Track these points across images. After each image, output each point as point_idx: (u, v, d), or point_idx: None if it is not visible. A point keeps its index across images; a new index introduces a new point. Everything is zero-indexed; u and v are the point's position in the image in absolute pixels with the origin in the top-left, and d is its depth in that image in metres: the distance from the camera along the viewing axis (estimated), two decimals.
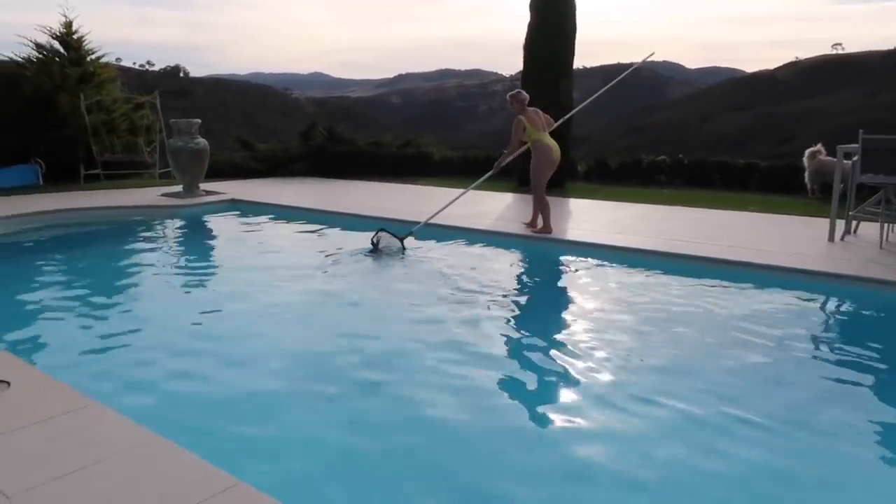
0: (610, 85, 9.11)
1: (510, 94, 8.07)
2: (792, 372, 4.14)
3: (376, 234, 7.20)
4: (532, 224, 8.09)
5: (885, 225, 7.10)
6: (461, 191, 8.83)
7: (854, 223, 7.68)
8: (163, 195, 10.86)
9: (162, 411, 3.41)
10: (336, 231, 8.59)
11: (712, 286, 5.90)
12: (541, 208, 7.89)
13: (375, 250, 7.12)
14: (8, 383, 3.20)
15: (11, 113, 12.57)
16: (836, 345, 4.75)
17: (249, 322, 5.00)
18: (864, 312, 5.59)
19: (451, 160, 15.28)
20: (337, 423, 3.37)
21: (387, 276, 6.57)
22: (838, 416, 3.53)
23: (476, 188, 8.84)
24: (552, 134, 8.05)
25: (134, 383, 3.77)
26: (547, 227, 7.79)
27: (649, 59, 9.62)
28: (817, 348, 4.63)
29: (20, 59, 13.83)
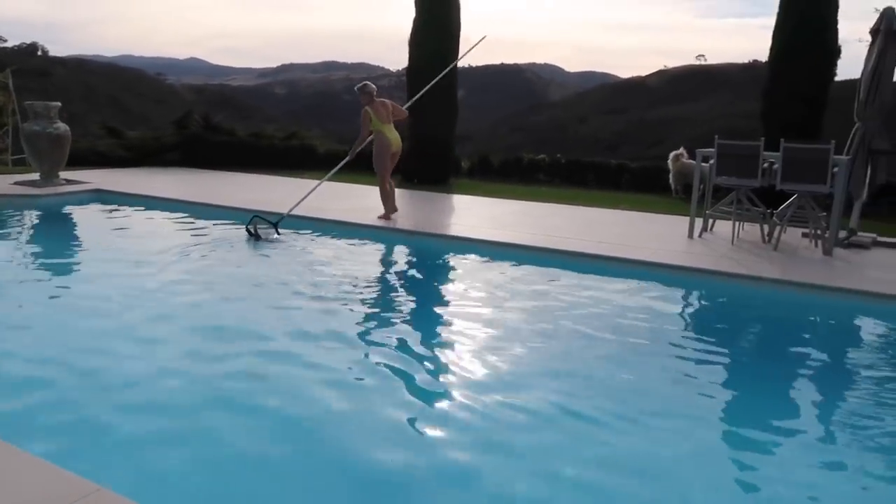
0: (444, 73, 9.94)
1: (357, 86, 8.50)
2: (642, 356, 4.44)
3: (251, 220, 7.39)
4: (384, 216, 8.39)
5: (737, 223, 7.76)
6: (330, 182, 8.80)
7: (711, 221, 8.32)
8: (16, 183, 9.96)
9: (12, 418, 3.13)
10: (207, 223, 8.21)
11: (584, 280, 6.21)
12: (382, 196, 8.37)
13: (253, 236, 7.28)
14: None
15: None
16: (688, 332, 5.14)
17: (108, 319, 4.69)
18: (717, 301, 6.09)
19: (336, 153, 15.02)
20: (193, 419, 3.24)
21: (254, 267, 6.37)
22: (681, 398, 3.84)
23: (355, 183, 8.88)
24: (399, 126, 8.58)
25: None
26: (386, 215, 8.34)
27: (478, 44, 10.03)
28: (671, 335, 4.96)
29: None
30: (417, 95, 9.73)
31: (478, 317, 5.11)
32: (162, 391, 3.56)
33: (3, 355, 3.93)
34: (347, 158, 8.58)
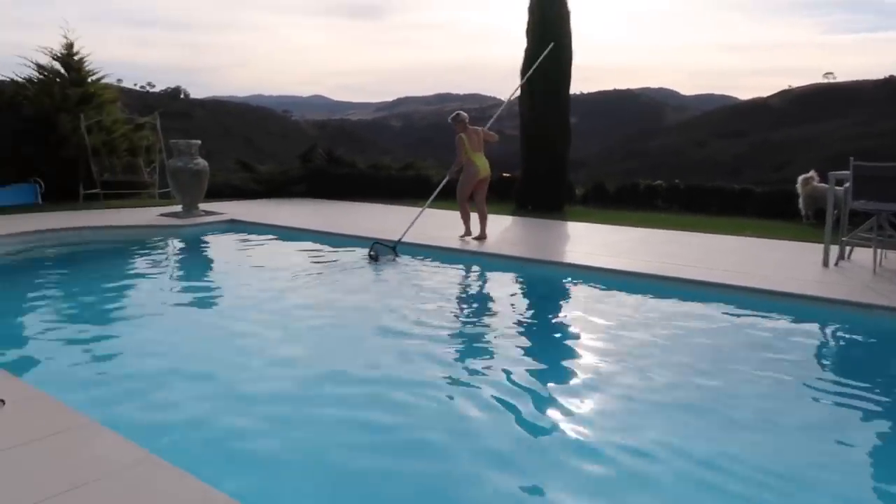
0: (498, 113, 10.17)
1: (451, 117, 8.99)
2: (784, 394, 4.15)
3: (372, 246, 7.95)
4: (478, 236, 8.87)
5: (878, 250, 7.16)
6: (446, 211, 9.03)
7: (847, 248, 7.73)
8: (162, 215, 10.91)
9: (156, 431, 3.41)
10: (331, 249, 8.63)
11: (709, 310, 5.94)
12: (462, 217, 9.04)
13: (374, 260, 7.80)
14: (3, 402, 3.21)
15: (12, 132, 12.64)
16: (830, 369, 4.77)
17: (247, 340, 5.00)
18: (856, 337, 5.62)
19: (450, 182, 15.35)
20: (338, 441, 3.37)
21: (373, 291, 6.58)
22: (829, 438, 3.55)
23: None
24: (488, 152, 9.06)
25: (129, 403, 3.77)
26: (467, 232, 8.97)
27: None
28: (811, 372, 4.64)
29: (20, 80, 13.97)
30: (495, 116, 9.95)
31: (591, 347, 5.01)
32: (290, 403, 3.76)
33: (154, 368, 4.30)
34: (444, 183, 9.19)
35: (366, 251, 8.00)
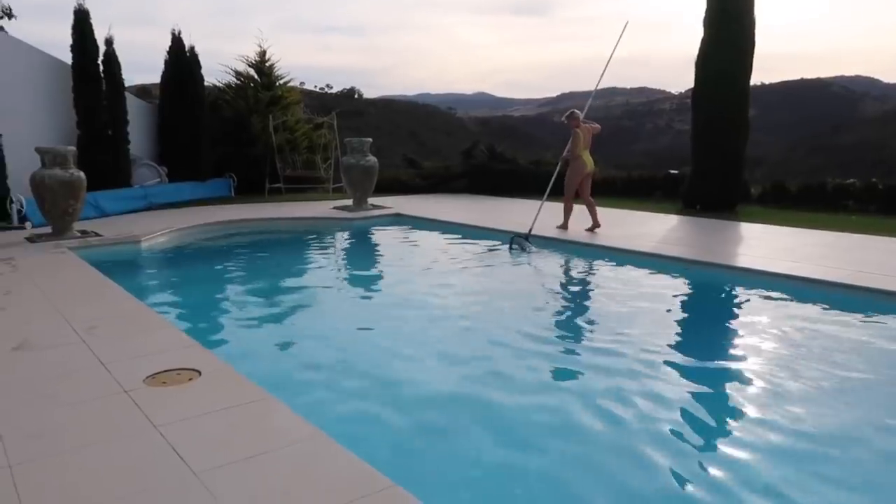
0: (589, 103, 9.60)
1: (565, 115, 9.42)
2: None
3: (512, 240, 8.49)
4: (591, 228, 9.19)
5: None
6: (609, 209, 8.82)
7: None
8: (334, 208, 11.66)
9: (327, 407, 3.66)
10: (488, 243, 8.74)
11: None
12: (566, 209, 9.36)
13: (516, 250, 8.34)
14: (199, 372, 3.61)
15: (213, 133, 14.14)
16: None
17: (415, 327, 5.23)
18: None
19: (613, 180, 14.94)
20: (499, 436, 3.42)
21: (525, 284, 6.56)
22: None
23: (632, 209, 9.00)
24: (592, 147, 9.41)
25: (304, 381, 4.10)
26: (565, 225, 9.31)
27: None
28: None
29: (221, 85, 15.59)
30: (587, 106, 9.59)
31: (764, 362, 4.58)
32: (443, 383, 3.87)
33: (328, 349, 4.62)
34: (556, 174, 9.48)
35: (507, 245, 8.43)
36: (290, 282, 7.14)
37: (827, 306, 5.79)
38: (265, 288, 6.83)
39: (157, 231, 8.80)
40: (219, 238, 9.44)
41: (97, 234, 8.54)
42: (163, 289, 6.78)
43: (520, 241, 8.45)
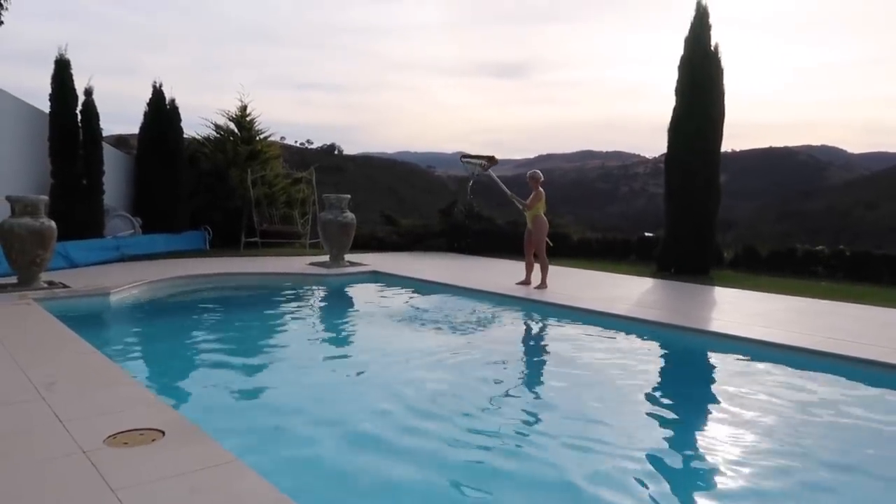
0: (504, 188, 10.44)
1: (530, 173, 9.91)
2: None
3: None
4: (539, 283, 9.46)
5: None
6: (584, 270, 8.90)
7: None
8: (311, 264, 11.58)
9: (296, 473, 3.53)
10: (463, 302, 8.70)
11: (876, 394, 5.29)
12: (529, 265, 9.78)
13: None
14: (163, 432, 3.47)
15: (191, 185, 14.12)
16: None
17: (385, 388, 5.12)
18: None
19: (589, 241, 15.13)
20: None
21: (502, 348, 6.51)
22: None
23: (609, 272, 9.11)
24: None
25: (274, 443, 3.96)
26: (528, 280, 9.68)
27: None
28: None
29: (200, 138, 15.66)
30: (508, 192, 10.34)
31: (734, 427, 4.55)
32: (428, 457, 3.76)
33: (298, 410, 4.49)
34: (516, 203, 10.04)
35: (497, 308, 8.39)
36: (262, 339, 7.01)
37: (799, 370, 5.81)
38: (236, 345, 6.69)
39: (128, 284, 8.64)
40: (191, 292, 9.28)
41: (65, 286, 8.34)
42: (131, 344, 6.60)
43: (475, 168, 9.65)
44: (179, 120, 13.79)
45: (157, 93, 13.71)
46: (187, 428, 3.58)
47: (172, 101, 13.75)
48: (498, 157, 11.33)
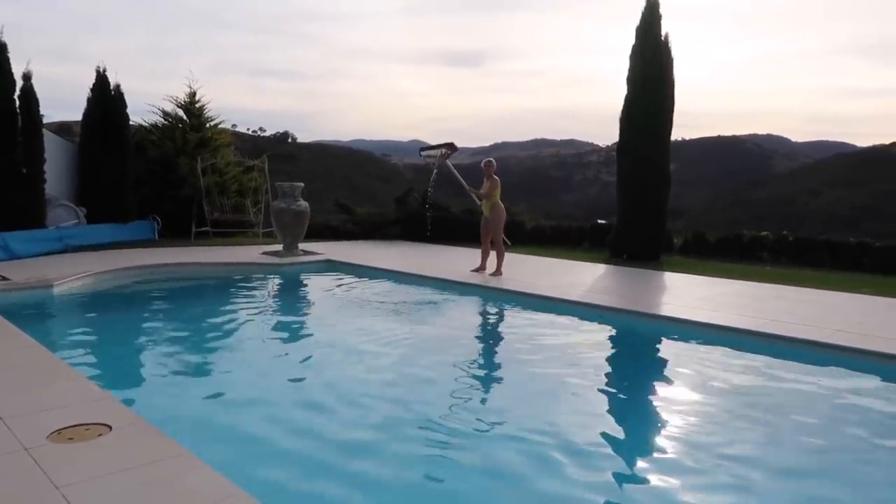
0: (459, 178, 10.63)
1: (486, 161, 9.93)
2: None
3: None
4: (494, 270, 9.56)
5: None
6: (540, 258, 9.02)
7: None
8: (263, 253, 11.40)
9: (249, 465, 3.49)
10: (418, 290, 8.71)
11: (816, 373, 5.51)
12: (499, 253, 9.68)
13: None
14: (110, 427, 3.39)
15: (138, 173, 13.70)
16: None
17: (340, 377, 5.09)
18: None
19: (543, 228, 15.28)
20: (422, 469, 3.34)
21: (473, 339, 6.56)
22: None
23: (567, 259, 9.27)
24: None
25: (225, 435, 3.90)
26: (483, 267, 9.80)
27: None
28: None
29: (147, 125, 15.21)
30: (462, 183, 10.54)
31: (685, 408, 4.72)
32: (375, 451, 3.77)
33: (251, 401, 4.43)
34: (474, 196, 10.20)
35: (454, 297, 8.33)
36: (212, 331, 6.87)
37: (741, 352, 6.01)
38: (186, 337, 6.55)
39: (72, 275, 8.36)
40: (138, 283, 9.04)
41: (5, 278, 8.03)
42: (75, 337, 6.39)
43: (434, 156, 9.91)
44: (125, 106, 13.33)
45: (101, 78, 13.23)
46: (135, 421, 3.50)
47: (118, 86, 13.30)
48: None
